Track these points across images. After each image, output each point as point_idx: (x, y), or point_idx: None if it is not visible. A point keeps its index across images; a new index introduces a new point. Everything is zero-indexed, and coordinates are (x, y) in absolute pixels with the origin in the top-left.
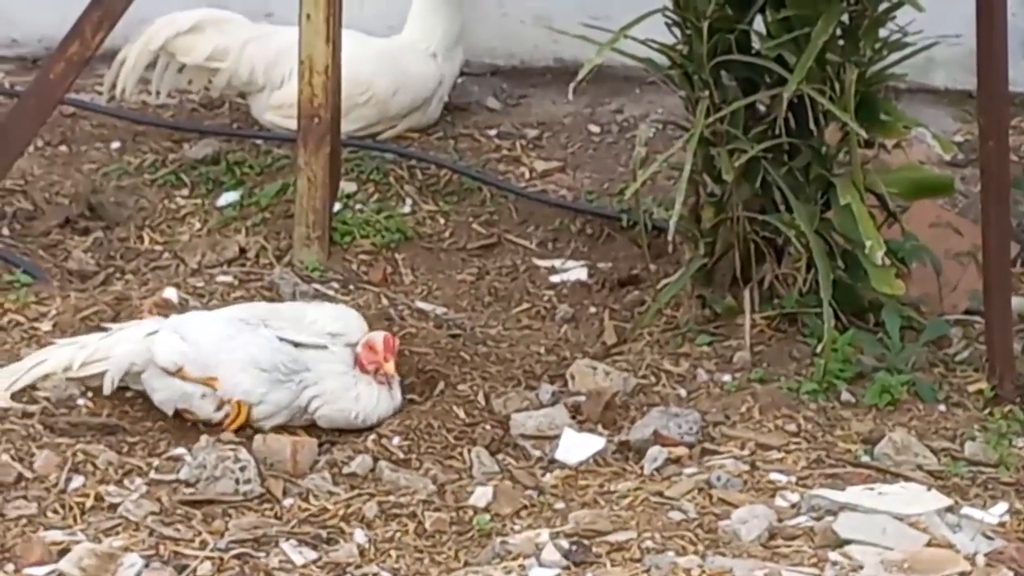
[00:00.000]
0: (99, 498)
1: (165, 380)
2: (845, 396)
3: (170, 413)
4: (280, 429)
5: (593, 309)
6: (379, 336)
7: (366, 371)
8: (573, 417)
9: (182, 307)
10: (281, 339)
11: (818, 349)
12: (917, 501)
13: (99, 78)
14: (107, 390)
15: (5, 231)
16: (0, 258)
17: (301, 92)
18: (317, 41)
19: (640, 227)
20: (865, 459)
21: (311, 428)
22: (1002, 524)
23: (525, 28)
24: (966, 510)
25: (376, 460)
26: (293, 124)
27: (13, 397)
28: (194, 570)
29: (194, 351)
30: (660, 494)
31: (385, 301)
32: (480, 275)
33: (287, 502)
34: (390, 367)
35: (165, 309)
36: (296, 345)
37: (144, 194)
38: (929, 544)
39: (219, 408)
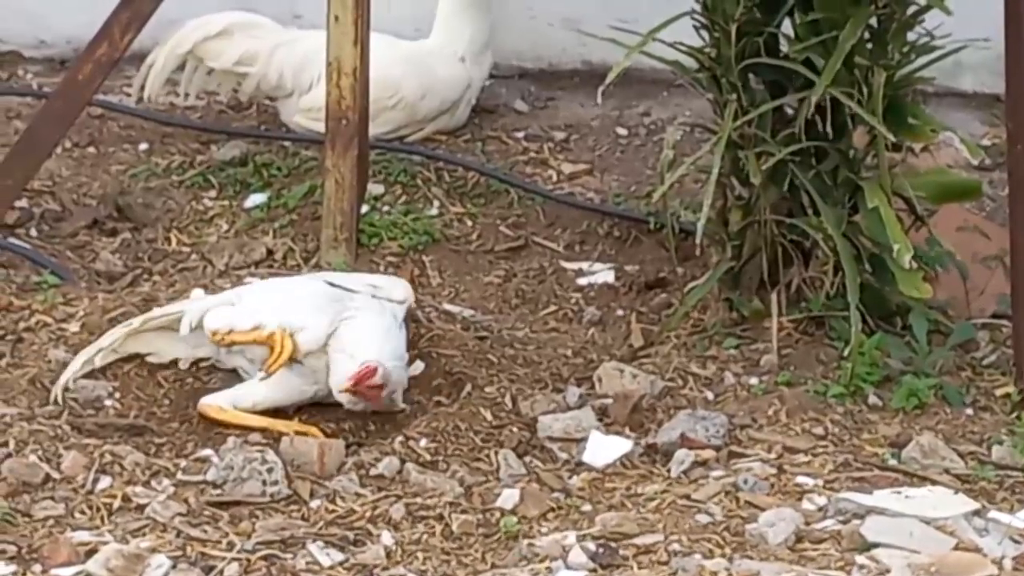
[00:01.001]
0: (126, 499)
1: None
2: (872, 399)
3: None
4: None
5: (620, 312)
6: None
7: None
8: (600, 420)
9: None
10: (328, 282)
11: (845, 352)
12: (944, 505)
13: (128, 79)
14: (183, 331)
15: (33, 232)
16: (28, 259)
17: (329, 94)
18: (345, 43)
19: (667, 230)
20: (892, 462)
21: (337, 428)
22: None
23: (553, 31)
24: (993, 514)
25: (403, 462)
26: (322, 127)
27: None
28: (221, 571)
29: (242, 305)
30: (687, 497)
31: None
32: (507, 277)
33: (314, 504)
34: (352, 396)
35: None
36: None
37: (172, 195)
38: (956, 548)
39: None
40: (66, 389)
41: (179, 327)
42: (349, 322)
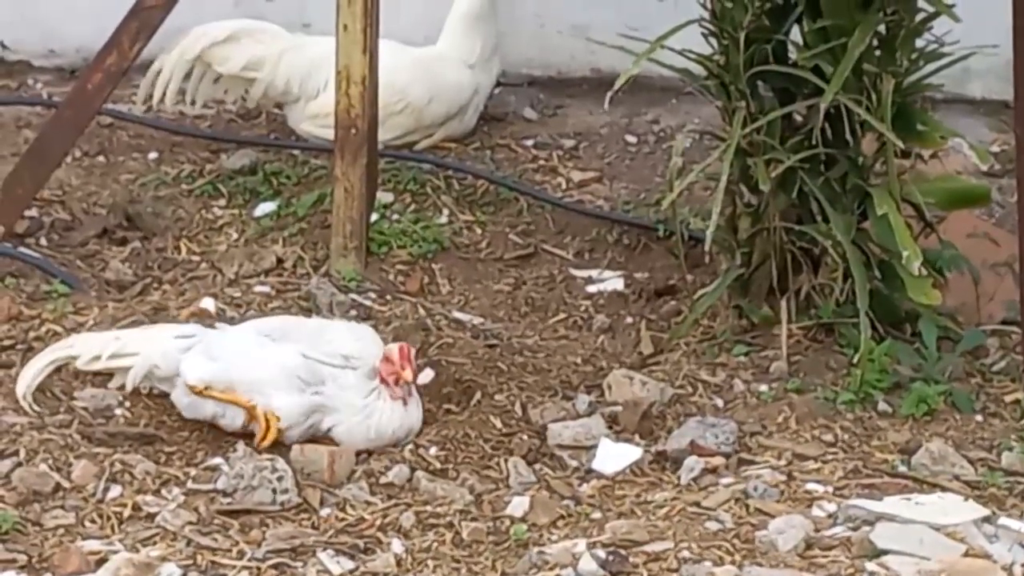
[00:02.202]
0: (136, 508)
1: (192, 397)
2: (882, 406)
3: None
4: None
5: (630, 319)
6: (394, 347)
7: (386, 383)
8: (610, 427)
9: (219, 317)
10: (304, 356)
11: (855, 359)
12: (954, 511)
13: (137, 88)
14: (128, 387)
15: (43, 241)
16: (38, 268)
17: (338, 103)
18: (354, 51)
19: (677, 237)
20: (902, 469)
21: None
22: None
23: (562, 38)
24: (1003, 520)
25: (413, 470)
26: (329, 134)
27: (40, 388)
28: None
29: (221, 369)
30: (697, 504)
31: (422, 311)
32: (517, 285)
33: (324, 512)
34: (407, 374)
35: (202, 319)
36: (316, 361)
37: (181, 204)
38: (966, 554)
39: (248, 423)
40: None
41: (126, 376)
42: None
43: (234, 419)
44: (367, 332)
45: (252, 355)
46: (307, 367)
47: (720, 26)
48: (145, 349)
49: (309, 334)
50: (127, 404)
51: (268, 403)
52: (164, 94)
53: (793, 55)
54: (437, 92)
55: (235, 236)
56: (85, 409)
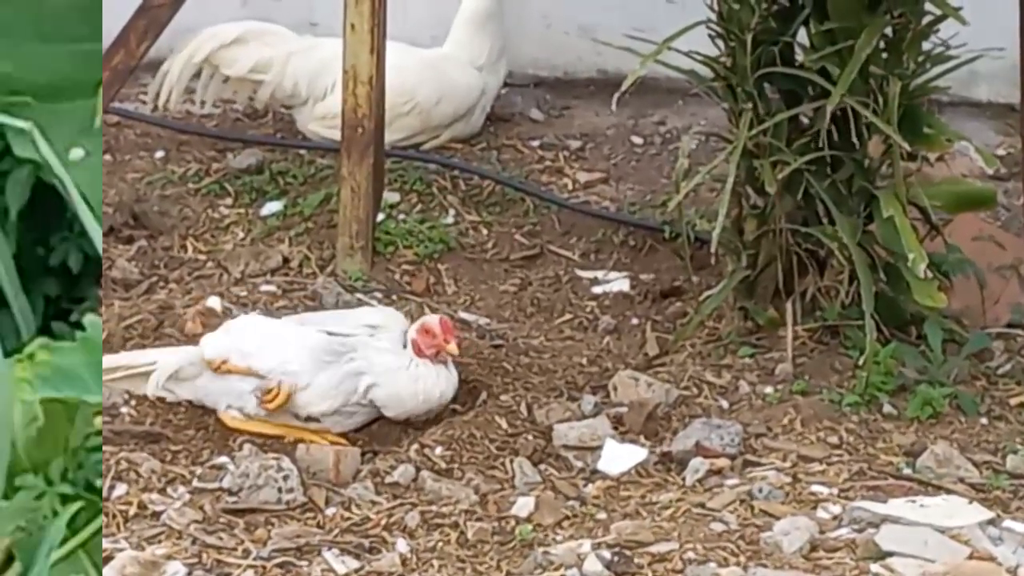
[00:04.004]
0: (142, 506)
1: (214, 379)
2: (887, 408)
3: (222, 409)
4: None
5: (635, 320)
6: (434, 319)
7: (423, 356)
8: (615, 428)
9: (225, 316)
10: (324, 331)
11: (860, 361)
12: (959, 514)
13: (144, 87)
14: (151, 391)
15: None
16: None
17: (345, 102)
18: (361, 51)
19: (683, 239)
20: (907, 471)
21: (358, 432)
22: None
23: (569, 39)
24: (1008, 523)
25: (418, 470)
26: (337, 135)
27: None
28: None
29: (238, 341)
30: (702, 505)
31: (428, 311)
32: (523, 286)
33: (329, 511)
34: (453, 347)
35: (208, 318)
36: (341, 335)
37: (188, 203)
38: (971, 557)
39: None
40: None
41: (147, 381)
42: (379, 375)
43: (253, 399)
44: (388, 310)
45: (270, 331)
46: (329, 344)
47: (727, 28)
48: (165, 358)
49: (329, 316)
50: (133, 403)
51: (295, 383)
52: (170, 95)
53: (800, 57)
54: (445, 93)
55: (241, 235)
56: None
